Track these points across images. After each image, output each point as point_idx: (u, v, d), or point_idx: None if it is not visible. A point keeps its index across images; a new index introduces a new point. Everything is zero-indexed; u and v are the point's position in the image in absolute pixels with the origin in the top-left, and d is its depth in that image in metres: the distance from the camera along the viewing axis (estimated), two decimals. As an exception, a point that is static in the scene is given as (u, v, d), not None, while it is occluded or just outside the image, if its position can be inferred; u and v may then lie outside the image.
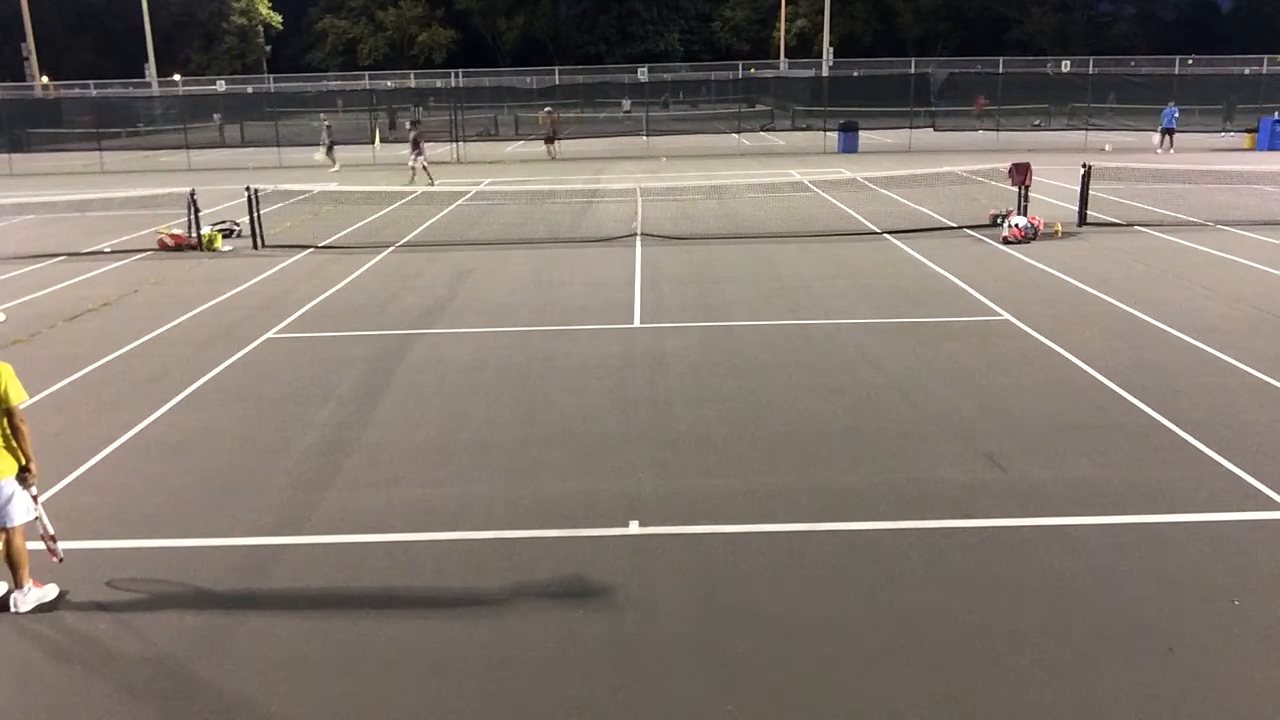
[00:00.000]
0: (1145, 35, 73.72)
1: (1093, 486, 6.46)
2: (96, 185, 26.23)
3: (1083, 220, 16.85)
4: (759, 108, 53.11)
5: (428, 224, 19.01)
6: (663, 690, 4.45)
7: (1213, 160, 28.77)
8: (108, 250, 16.83)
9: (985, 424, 7.64)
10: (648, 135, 40.50)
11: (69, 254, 16.56)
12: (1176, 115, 31.26)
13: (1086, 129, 38.13)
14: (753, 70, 61.58)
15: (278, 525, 6.19)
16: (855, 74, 56.37)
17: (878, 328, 10.56)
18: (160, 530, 6.15)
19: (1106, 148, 32.97)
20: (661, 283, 13.05)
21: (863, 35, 77.70)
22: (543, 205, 21.51)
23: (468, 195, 23.30)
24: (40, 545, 5.36)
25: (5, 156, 35.63)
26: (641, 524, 6.06)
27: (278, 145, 36.45)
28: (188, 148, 37.27)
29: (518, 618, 5.08)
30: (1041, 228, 15.70)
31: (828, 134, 36.71)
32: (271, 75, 67.45)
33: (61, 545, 5.44)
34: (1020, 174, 16.75)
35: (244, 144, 42.08)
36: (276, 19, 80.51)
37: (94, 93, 53.94)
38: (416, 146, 26.39)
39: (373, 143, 38.84)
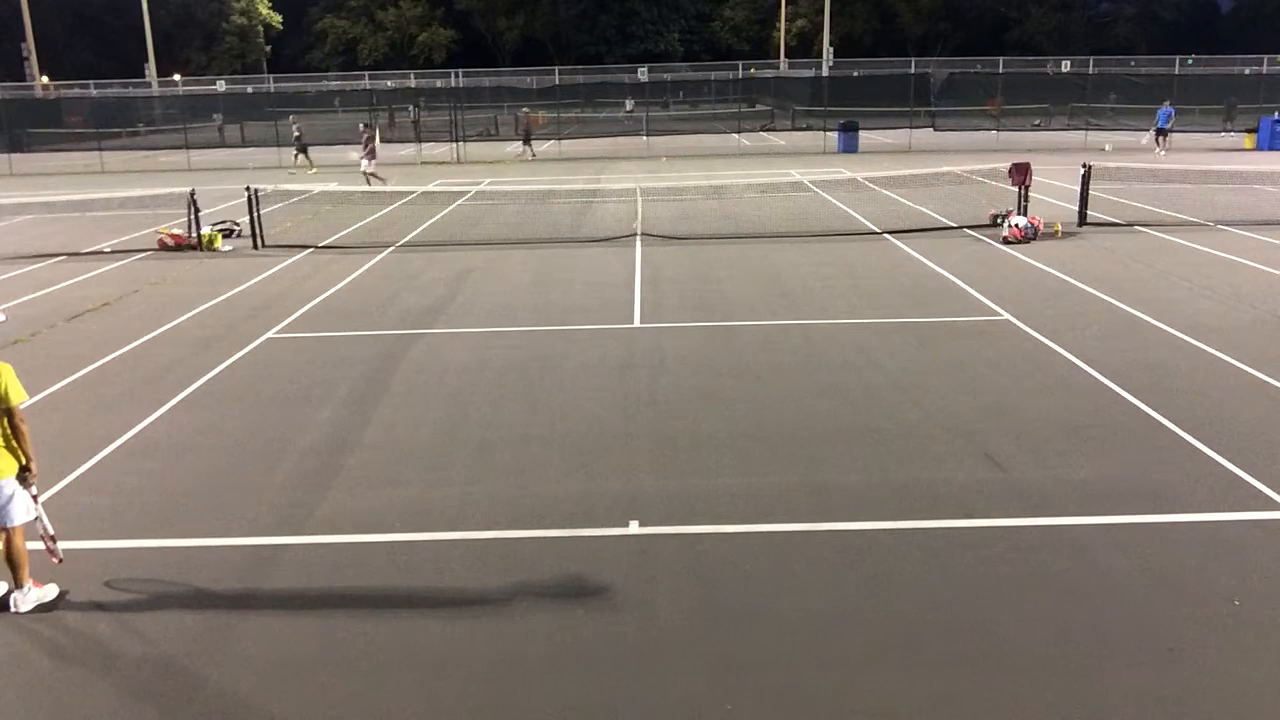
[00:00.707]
0: (1145, 35, 73.75)
1: (1093, 486, 6.46)
2: (96, 185, 26.22)
3: (1083, 220, 16.85)
4: (759, 108, 53.11)
5: (428, 224, 19.01)
6: (663, 690, 4.45)
7: (1213, 160, 28.78)
8: (108, 250, 16.83)
9: (985, 424, 7.64)
10: (648, 135, 40.51)
11: (69, 254, 16.56)
12: (1172, 115, 31.21)
13: (1086, 129, 38.13)
14: (753, 70, 61.55)
15: (278, 525, 6.19)
16: (855, 74, 56.37)
17: (878, 328, 10.56)
18: (160, 530, 6.15)
19: (1107, 148, 32.97)
20: (661, 283, 13.05)
21: (863, 35, 77.71)
22: (543, 205, 21.52)
23: (468, 195, 23.30)
24: (40, 545, 5.36)
25: (5, 156, 35.63)
26: (641, 524, 6.06)
27: (278, 145, 36.42)
28: (188, 148, 37.28)
29: (518, 618, 5.08)
30: (1041, 228, 15.70)
31: (828, 134, 36.71)
32: (271, 75, 67.41)
33: (61, 545, 5.44)
34: (1020, 174, 16.76)
35: (244, 144, 42.09)
36: (276, 19, 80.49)
37: (94, 93, 53.92)
38: (368, 149, 25.83)
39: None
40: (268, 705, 4.41)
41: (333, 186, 24.59)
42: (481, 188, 24.95)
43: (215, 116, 45.37)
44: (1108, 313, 11.00)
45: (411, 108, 44.35)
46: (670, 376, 9.00)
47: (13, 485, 5.15)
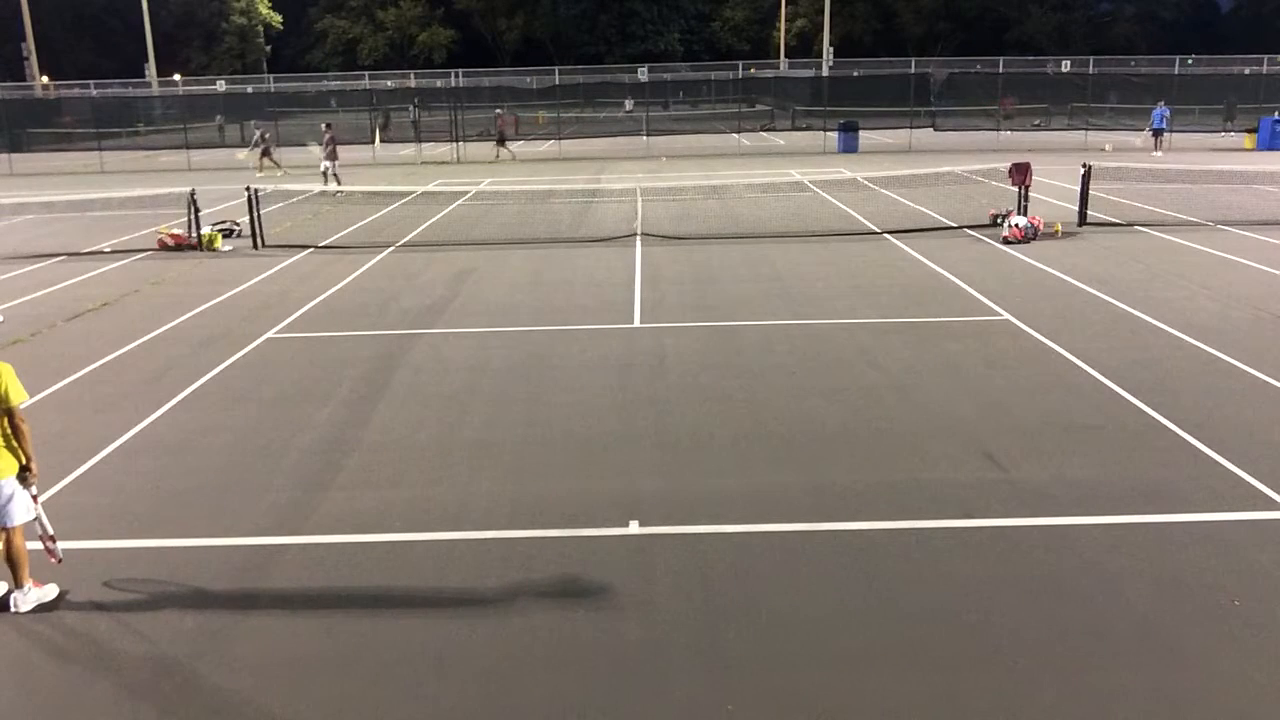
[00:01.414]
0: (1145, 35, 73.74)
1: (1093, 486, 6.46)
2: (96, 185, 26.22)
3: (1083, 220, 16.85)
4: (759, 108, 53.11)
5: (428, 224, 19.02)
6: (663, 690, 4.45)
7: (1213, 160, 28.77)
8: (108, 250, 16.83)
9: (985, 424, 7.64)
10: (648, 135, 40.50)
11: (69, 254, 16.56)
12: (1167, 116, 31.16)
13: (1086, 129, 38.12)
14: (753, 70, 61.58)
15: (278, 525, 6.19)
16: (855, 74, 56.36)
17: (878, 328, 10.56)
18: (160, 530, 6.15)
19: (1107, 147, 32.97)
20: (661, 282, 13.05)
21: (863, 35, 77.69)
22: (543, 205, 21.52)
23: (468, 195, 23.30)
24: (40, 545, 5.36)
25: (5, 156, 35.63)
26: (641, 524, 6.06)
27: (278, 145, 36.37)
28: (188, 148, 37.26)
29: (518, 618, 5.08)
30: (1042, 228, 15.70)
31: (828, 134, 36.71)
32: (271, 75, 67.43)
33: (61, 545, 5.44)
34: (1020, 174, 16.76)
35: (244, 144, 42.06)
36: (276, 19, 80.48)
37: (94, 93, 53.92)
38: (331, 153, 25.50)
39: (373, 142, 38.87)
40: (268, 705, 4.41)
41: (333, 186, 24.59)
42: (481, 188, 24.95)
43: (218, 117, 45.36)
44: (1108, 313, 11.00)
45: (410, 107, 44.29)
46: (670, 376, 9.00)
47: (13, 485, 5.15)
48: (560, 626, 4.98)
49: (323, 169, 25.71)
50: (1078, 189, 17.18)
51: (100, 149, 36.91)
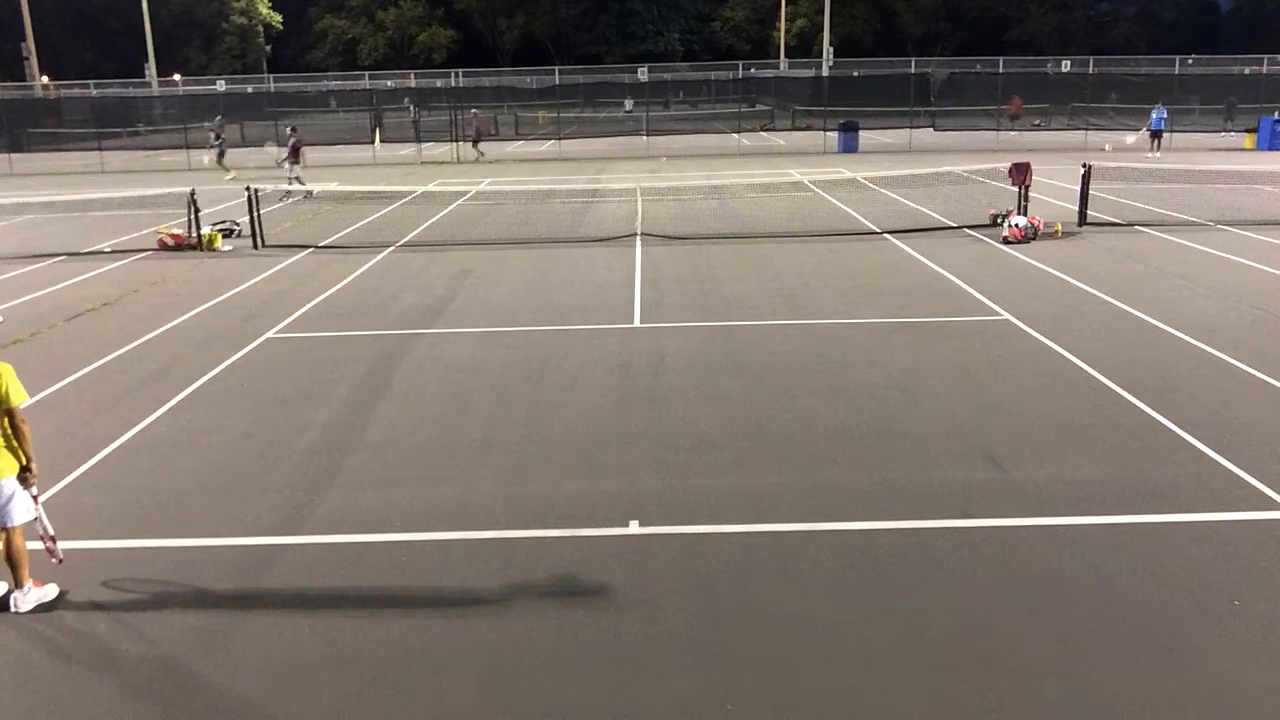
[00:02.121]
0: (1145, 35, 73.70)
1: (1093, 486, 6.46)
2: (96, 185, 26.22)
3: (1083, 220, 16.85)
4: (759, 108, 53.10)
5: (428, 224, 19.02)
6: (663, 690, 4.45)
7: (1213, 160, 28.77)
8: (108, 250, 16.83)
9: (985, 424, 7.64)
10: (648, 135, 40.49)
11: (69, 254, 16.56)
12: (1165, 117, 31.08)
13: (1086, 129, 38.12)
14: (753, 70, 61.55)
15: (278, 525, 6.19)
16: (855, 74, 56.35)
17: (878, 327, 10.56)
18: (160, 530, 6.15)
19: (1107, 147, 32.97)
20: (662, 282, 13.05)
21: (863, 35, 77.67)
22: (543, 205, 21.52)
23: (468, 195, 23.30)
24: (40, 545, 5.36)
25: (5, 156, 35.63)
26: (642, 524, 6.06)
27: (277, 145, 36.36)
28: (188, 148, 37.24)
29: (518, 618, 5.08)
30: (1042, 228, 15.70)
31: (828, 134, 36.70)
32: (271, 75, 67.43)
33: (61, 545, 5.44)
34: (1020, 174, 16.76)
35: (244, 144, 42.05)
36: (276, 19, 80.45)
37: (94, 93, 53.92)
38: (295, 154, 24.90)
39: (372, 142, 38.88)
40: (268, 705, 4.41)
41: (333, 186, 24.59)
42: (481, 188, 24.95)
43: (217, 118, 45.31)
44: (1108, 313, 11.00)
45: (411, 107, 44.26)
46: (670, 376, 9.00)
47: (13, 485, 5.15)
48: (560, 626, 4.98)
49: (287, 172, 24.81)
50: (1078, 189, 17.18)
51: (100, 149, 36.91)
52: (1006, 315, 10.92)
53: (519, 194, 23.53)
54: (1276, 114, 34.00)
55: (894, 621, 4.95)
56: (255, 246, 16.62)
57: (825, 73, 54.44)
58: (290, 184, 23.86)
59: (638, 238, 16.61)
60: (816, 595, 5.22)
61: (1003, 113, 40.30)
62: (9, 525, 5.17)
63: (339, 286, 13.37)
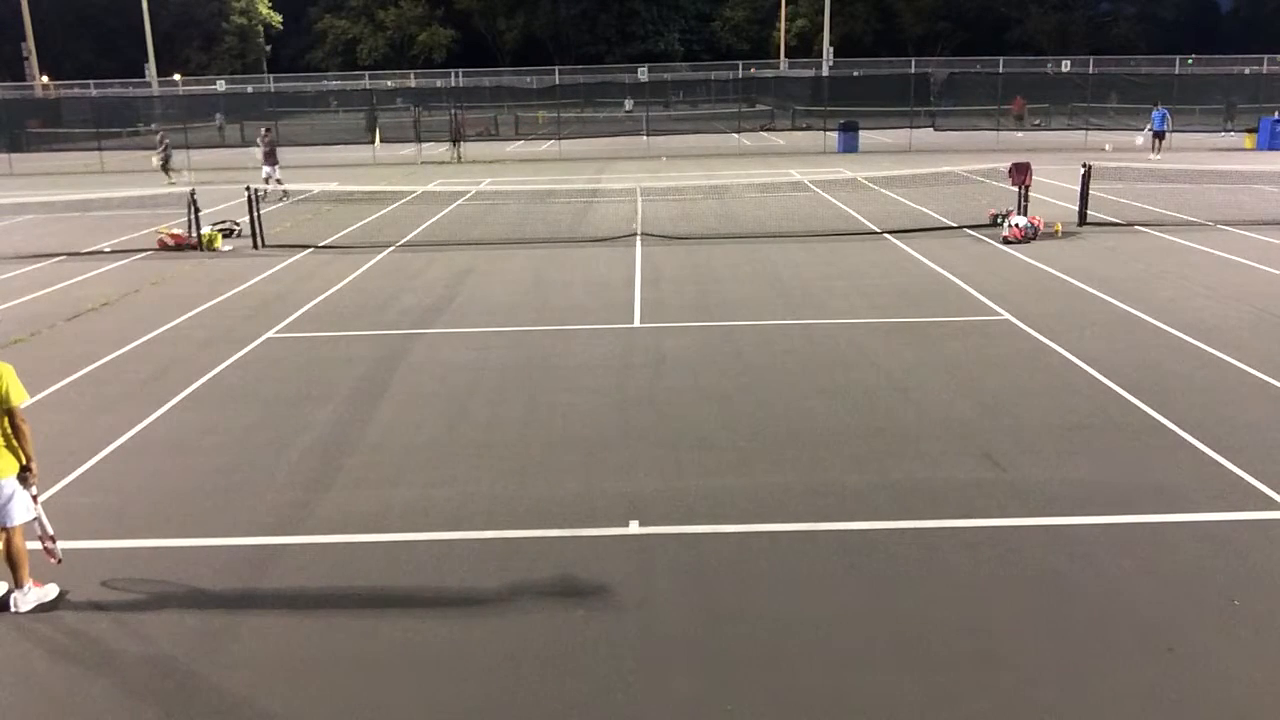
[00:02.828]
0: (1145, 35, 73.69)
1: (1093, 486, 6.46)
2: (96, 185, 26.22)
3: (1083, 220, 16.85)
4: (759, 108, 53.11)
5: (428, 224, 19.02)
6: (663, 690, 4.45)
7: (1213, 160, 28.78)
8: (108, 250, 16.83)
9: (985, 424, 7.64)
10: (648, 135, 40.50)
11: (69, 254, 16.56)
12: (1167, 117, 30.91)
13: (1086, 129, 38.12)
14: (753, 70, 61.55)
15: (278, 525, 6.19)
16: (855, 74, 56.37)
17: (878, 327, 10.56)
18: (160, 530, 6.15)
19: (1107, 147, 32.97)
20: (661, 282, 13.05)
21: (863, 35, 77.64)
22: (543, 205, 21.52)
23: (468, 195, 23.30)
24: (40, 545, 5.36)
25: (5, 156, 35.62)
26: (641, 524, 6.06)
27: (278, 145, 36.36)
28: (188, 148, 37.25)
29: (518, 618, 5.08)
30: (1042, 227, 15.71)
31: (828, 134, 36.71)
32: (271, 75, 67.45)
33: (61, 545, 5.44)
34: (1020, 174, 16.76)
35: (244, 144, 42.07)
36: (276, 19, 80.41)
37: (94, 93, 53.91)
38: (270, 156, 24.43)
39: (372, 142, 38.88)
40: (268, 705, 4.41)
41: (333, 186, 24.59)
42: (481, 188, 24.95)
43: (216, 116, 45.35)
44: (1108, 313, 11.00)
45: (412, 106, 44.22)
46: (670, 376, 9.00)
47: (13, 485, 5.15)
48: (560, 626, 4.98)
49: (264, 175, 24.17)
50: (1078, 189, 17.18)
51: (100, 149, 36.89)
52: (1006, 315, 10.92)
53: (519, 194, 23.52)
54: (1276, 114, 34.00)
55: (894, 621, 4.95)
56: (255, 246, 16.62)
57: (825, 73, 54.43)
58: (268, 184, 23.23)
59: (637, 238, 16.61)
60: (816, 595, 5.22)
61: (1003, 113, 40.30)
62: (9, 525, 5.17)
63: (339, 286, 13.37)
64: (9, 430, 5.12)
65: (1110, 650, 4.66)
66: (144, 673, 4.66)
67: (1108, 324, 10.51)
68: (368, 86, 56.41)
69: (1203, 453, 6.97)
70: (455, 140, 35.44)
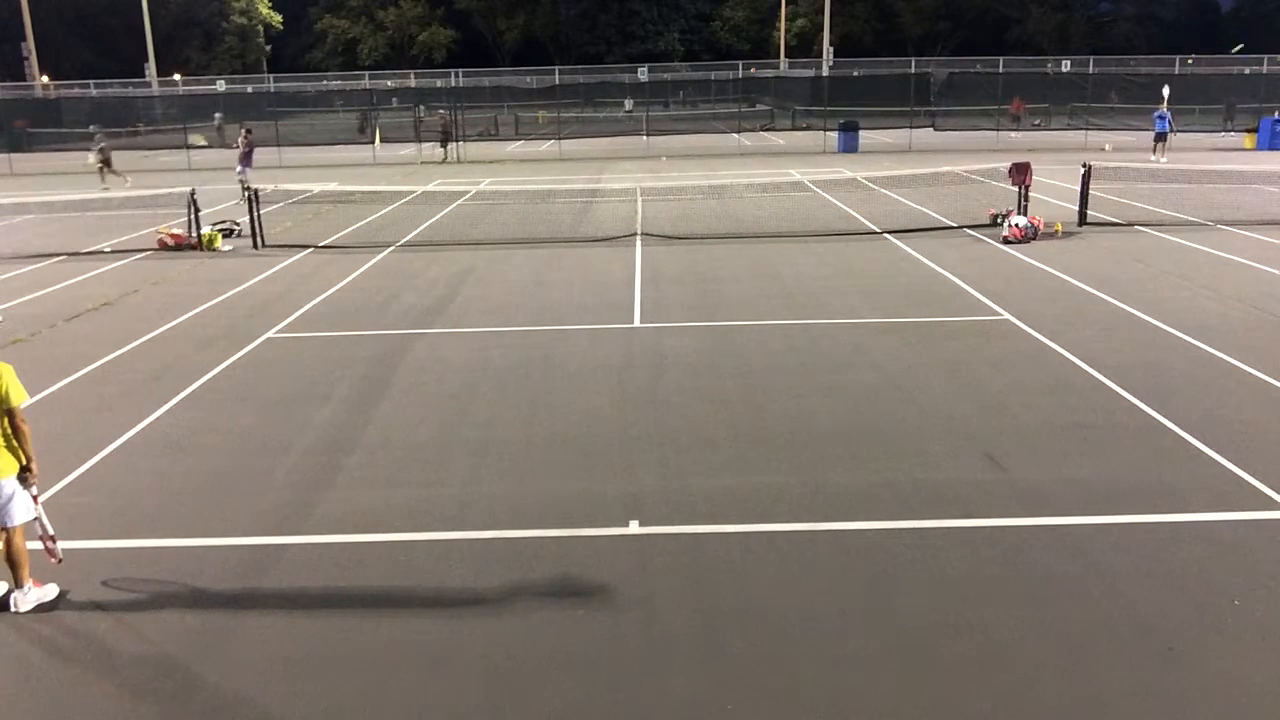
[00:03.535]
0: (1145, 35, 73.73)
1: (1093, 486, 6.46)
2: (97, 185, 26.21)
3: (1083, 220, 16.85)
4: (759, 107, 53.10)
5: (428, 224, 19.02)
6: (663, 690, 4.45)
7: (1213, 160, 28.77)
8: (108, 250, 16.83)
9: (985, 424, 7.64)
10: (648, 135, 40.50)
11: (69, 254, 16.56)
12: (1170, 118, 30.63)
13: (1086, 129, 38.11)
14: (753, 70, 61.56)
15: (278, 525, 6.19)
16: (855, 74, 56.35)
17: (878, 327, 10.56)
18: (160, 530, 6.15)
19: (1107, 147, 32.96)
20: (661, 282, 13.05)
21: (863, 35, 77.66)
22: (543, 205, 21.51)
23: (468, 195, 23.30)
24: (40, 545, 5.36)
25: (5, 156, 35.61)
26: (641, 524, 6.06)
27: (278, 145, 36.43)
28: (188, 148, 37.26)
29: (518, 618, 5.08)
30: (1042, 227, 15.71)
31: (828, 134, 36.70)
32: (271, 75, 67.41)
33: (61, 545, 5.44)
34: (1020, 174, 16.75)
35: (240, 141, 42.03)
36: (276, 19, 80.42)
37: (94, 93, 53.90)
38: (246, 158, 23.60)
39: (371, 142, 38.88)
40: (268, 705, 4.41)
41: (333, 186, 24.58)
42: (481, 188, 24.94)
43: (215, 116, 45.31)
44: (1108, 312, 11.00)
45: (415, 106, 44.17)
46: (670, 376, 9.00)
47: (13, 485, 5.15)
48: (560, 626, 4.98)
49: (236, 174, 23.35)
50: (1078, 189, 17.18)
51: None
52: (1006, 315, 10.92)
53: (519, 194, 23.52)
54: (1276, 114, 33.99)
55: (894, 621, 4.95)
56: (255, 246, 16.62)
57: (825, 73, 54.43)
58: (243, 187, 21.79)
59: (638, 237, 16.61)
60: (816, 595, 5.22)
61: (1003, 113, 40.28)
62: (9, 525, 5.17)
63: (339, 286, 13.37)
64: (9, 430, 5.12)
65: (1110, 650, 4.66)
66: (144, 673, 4.66)
67: (1108, 324, 10.51)
68: (368, 86, 56.40)
69: (1203, 453, 6.97)
70: (445, 140, 35.10)
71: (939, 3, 76.93)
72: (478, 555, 5.75)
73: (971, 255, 14.52)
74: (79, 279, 14.40)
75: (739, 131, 43.60)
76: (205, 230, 16.78)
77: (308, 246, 16.60)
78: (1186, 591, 5.16)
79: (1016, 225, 15.49)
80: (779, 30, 70.02)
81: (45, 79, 57.40)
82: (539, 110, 50.93)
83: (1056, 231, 15.87)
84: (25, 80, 56.58)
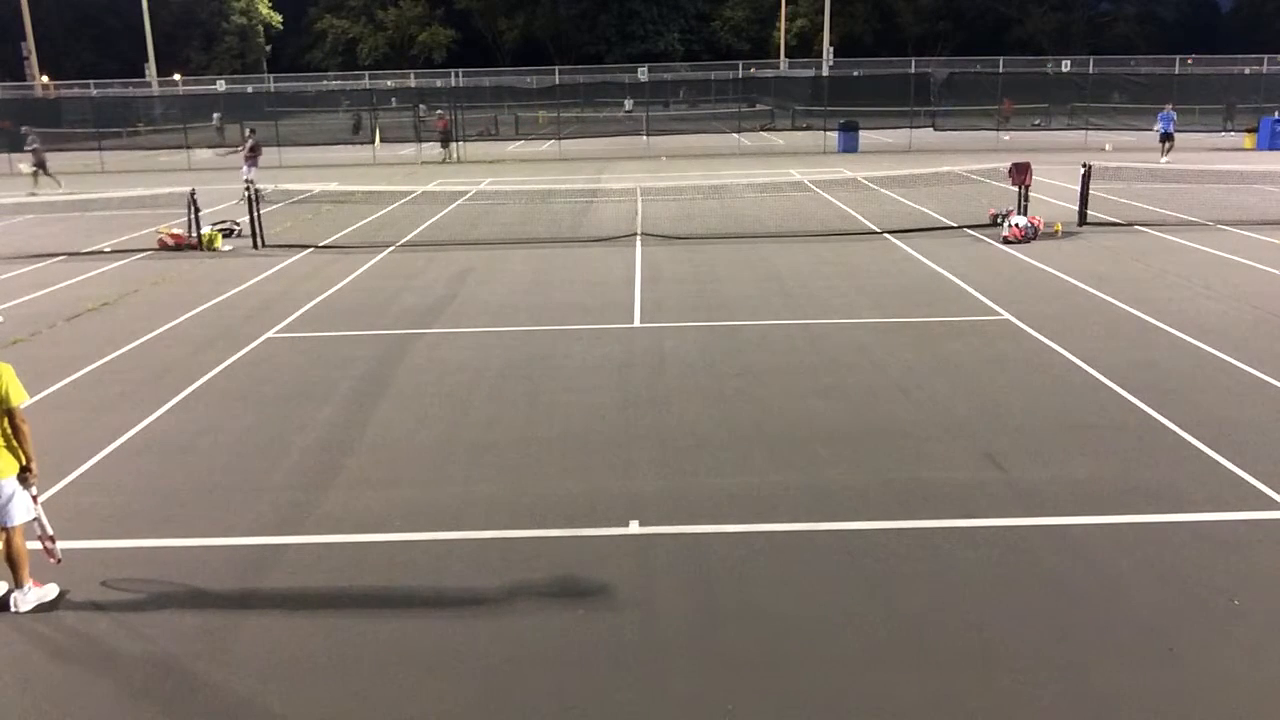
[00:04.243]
0: (1145, 35, 73.69)
1: (1093, 486, 6.46)
2: (96, 185, 26.21)
3: (1083, 220, 16.85)
4: (759, 107, 53.08)
5: (428, 224, 19.02)
6: (663, 690, 4.45)
7: (1213, 160, 28.76)
8: (108, 250, 16.83)
9: (985, 424, 7.64)
10: (648, 135, 40.48)
11: (69, 254, 16.56)
12: (1174, 119, 30.50)
13: (1086, 129, 38.11)
14: (753, 70, 61.53)
15: (278, 525, 6.19)
16: (855, 74, 56.33)
17: (878, 327, 10.56)
18: (160, 530, 6.15)
19: (1107, 147, 32.96)
20: (662, 282, 13.05)
21: (863, 35, 77.65)
22: (543, 205, 21.51)
23: (468, 195, 23.30)
24: (40, 545, 5.36)
25: (5, 156, 35.60)
26: (641, 524, 6.06)
27: (278, 145, 36.41)
28: (188, 147, 37.26)
29: (518, 618, 5.08)
30: (1042, 227, 15.71)
31: (828, 134, 36.69)
32: (271, 75, 67.40)
33: (61, 545, 5.44)
34: (1020, 174, 16.76)
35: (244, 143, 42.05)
36: (276, 19, 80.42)
37: (94, 93, 53.88)
38: (252, 158, 23.81)
39: (371, 142, 38.88)
40: (268, 705, 4.41)
41: (333, 186, 24.58)
42: (481, 187, 24.94)
43: (215, 116, 45.29)
44: (1108, 312, 11.00)
45: (416, 105, 44.12)
46: (670, 376, 9.00)
47: (13, 485, 5.15)
48: (560, 626, 4.98)
49: (243, 175, 23.27)
50: (1078, 189, 17.18)
51: (100, 149, 36.86)
52: (1006, 315, 10.92)
53: (519, 194, 23.51)
54: (1276, 114, 33.98)
55: (894, 621, 4.95)
56: (255, 246, 16.62)
57: (825, 72, 54.41)
58: (249, 185, 22.88)
59: (637, 238, 16.61)
60: (816, 595, 5.22)
61: (1001, 113, 40.29)
62: (9, 525, 5.17)
63: (339, 286, 13.37)
64: (9, 430, 5.12)
65: (1110, 650, 4.66)
66: (144, 673, 4.66)
67: (1108, 324, 10.51)
68: (368, 86, 56.38)
69: (1203, 453, 6.97)
70: (445, 141, 35.04)
71: (939, 3, 76.93)
72: (477, 555, 5.75)
73: (971, 255, 14.52)
74: (79, 279, 14.40)
75: (739, 131, 43.58)
76: (205, 230, 16.78)
77: (308, 246, 16.60)
78: (1186, 591, 5.16)
79: (1016, 225, 15.49)
80: (779, 30, 70.03)
81: (45, 79, 57.40)
82: (539, 110, 50.92)
83: (1056, 231, 15.87)
84: (25, 80, 56.58)
